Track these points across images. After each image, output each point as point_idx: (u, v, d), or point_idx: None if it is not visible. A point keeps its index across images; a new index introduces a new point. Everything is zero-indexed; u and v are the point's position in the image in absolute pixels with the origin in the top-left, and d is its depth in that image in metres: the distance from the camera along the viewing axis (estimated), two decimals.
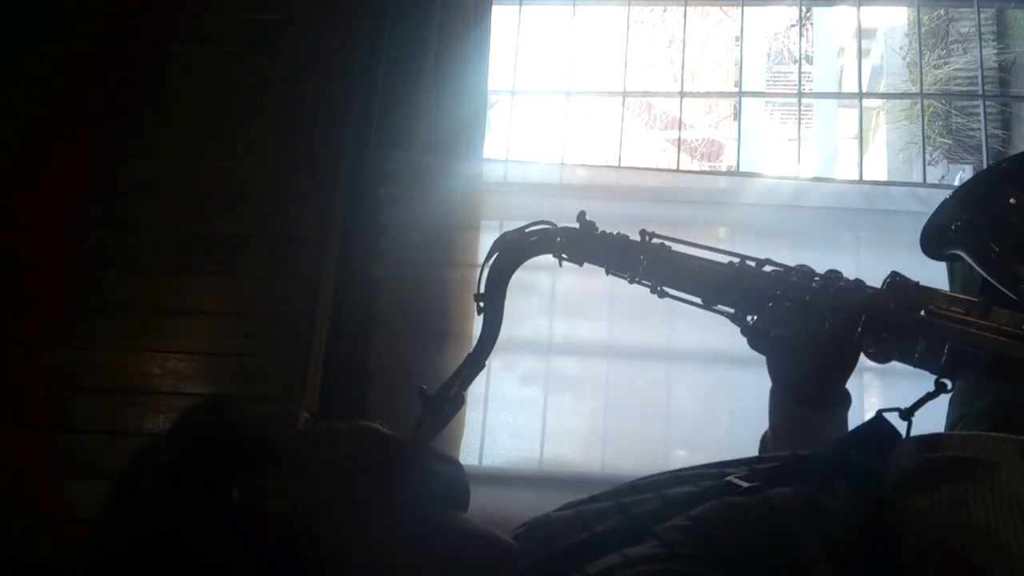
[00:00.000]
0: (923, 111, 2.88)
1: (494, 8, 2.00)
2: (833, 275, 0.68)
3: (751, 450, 0.82)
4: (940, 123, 4.46)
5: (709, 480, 0.60)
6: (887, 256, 1.76)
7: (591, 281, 1.81)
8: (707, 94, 6.91)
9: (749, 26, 4.67)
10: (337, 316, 1.87)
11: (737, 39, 5.49)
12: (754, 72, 5.80)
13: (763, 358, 0.79)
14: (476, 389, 1.80)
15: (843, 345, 0.66)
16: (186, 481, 0.56)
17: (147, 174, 2.00)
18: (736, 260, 0.71)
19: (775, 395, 0.79)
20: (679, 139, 5.88)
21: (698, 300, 0.73)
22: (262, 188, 1.97)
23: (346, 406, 1.77)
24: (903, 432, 0.65)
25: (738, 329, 0.74)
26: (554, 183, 1.92)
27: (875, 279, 0.68)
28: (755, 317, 0.70)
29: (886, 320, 0.63)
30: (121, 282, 1.94)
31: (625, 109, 2.33)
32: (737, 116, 3.83)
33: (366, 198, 1.91)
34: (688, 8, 2.21)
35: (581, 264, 0.75)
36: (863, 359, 0.72)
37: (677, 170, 2.21)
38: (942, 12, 4.36)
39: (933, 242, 0.78)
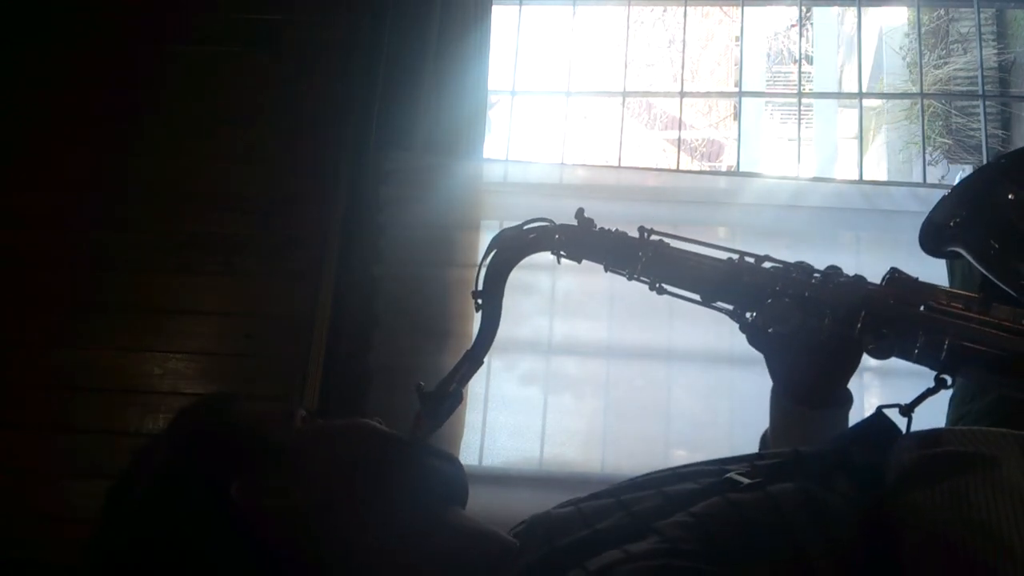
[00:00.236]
0: (923, 111, 2.88)
1: (494, 8, 2.00)
2: (832, 271, 0.68)
3: (751, 450, 0.81)
4: (940, 123, 4.46)
5: (709, 477, 0.60)
6: (887, 256, 1.76)
7: (591, 281, 1.81)
8: (707, 94, 6.91)
9: (749, 26, 4.67)
10: (337, 316, 1.87)
11: (737, 39, 5.49)
12: (754, 72, 5.80)
13: (763, 358, 0.78)
14: (476, 389, 1.80)
15: (842, 342, 0.66)
16: (184, 479, 0.56)
17: (147, 174, 2.00)
18: (735, 256, 0.71)
19: (775, 394, 0.79)
20: (679, 139, 5.88)
21: (697, 297, 0.72)
22: (262, 188, 1.97)
23: (346, 406, 1.77)
24: (903, 428, 0.65)
25: (738, 329, 0.74)
26: (554, 183, 1.92)
27: (875, 279, 0.67)
28: (754, 314, 0.70)
29: (886, 316, 0.63)
30: (121, 282, 1.94)
31: (625, 109, 2.33)
32: (737, 116, 3.83)
33: (366, 198, 1.91)
34: (688, 8, 2.21)
35: (579, 261, 0.75)
36: (865, 356, 0.72)
37: (677, 170, 2.21)
38: (942, 12, 4.36)
39: (932, 240, 0.78)
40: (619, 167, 2.08)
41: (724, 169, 6.60)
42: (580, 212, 0.75)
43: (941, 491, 0.53)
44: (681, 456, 1.75)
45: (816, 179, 2.08)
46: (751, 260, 0.70)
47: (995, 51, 4.19)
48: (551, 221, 0.75)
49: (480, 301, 0.74)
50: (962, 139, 4.40)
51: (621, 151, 2.19)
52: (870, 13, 4.79)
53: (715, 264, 0.71)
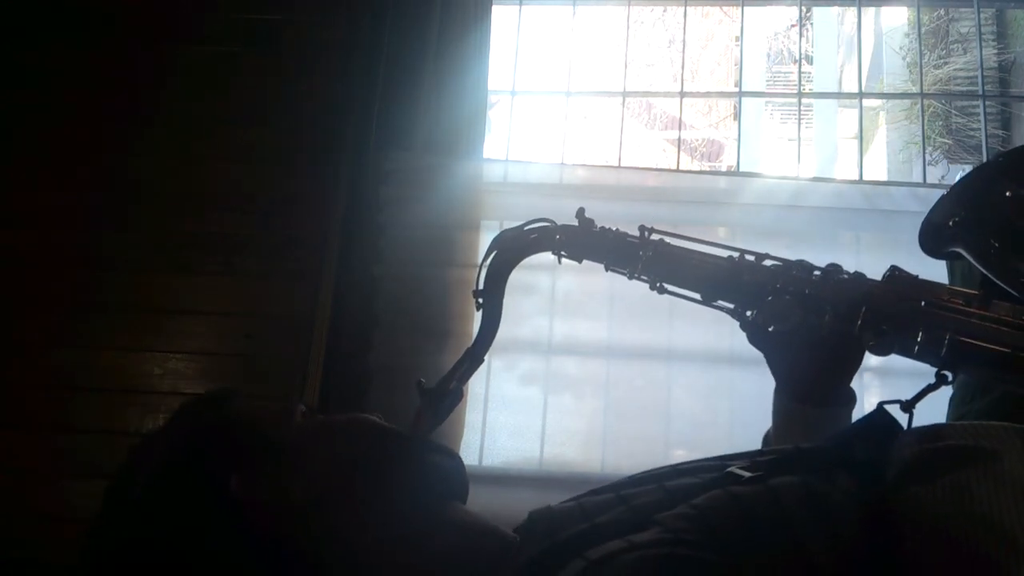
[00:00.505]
0: (923, 111, 2.88)
1: (494, 8, 2.00)
2: (833, 268, 0.68)
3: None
4: (940, 123, 4.46)
5: (710, 472, 0.60)
6: (887, 256, 1.76)
7: (591, 281, 1.81)
8: (707, 94, 6.91)
9: (749, 26, 4.67)
10: (337, 316, 1.87)
11: (737, 39, 5.50)
12: (754, 72, 5.80)
13: (763, 359, 0.78)
14: (476, 389, 1.80)
15: (843, 339, 0.66)
16: (184, 473, 0.56)
17: (147, 174, 2.00)
18: (735, 255, 0.71)
19: (778, 393, 0.79)
20: (679, 139, 5.88)
21: (697, 296, 0.72)
22: (262, 188, 1.97)
23: (346, 406, 1.77)
24: (904, 425, 0.64)
25: (738, 330, 0.74)
26: (554, 183, 1.92)
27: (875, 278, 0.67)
28: (754, 312, 0.70)
29: (886, 312, 0.63)
30: (121, 282, 1.94)
31: (625, 109, 2.33)
32: (737, 116, 3.83)
33: (366, 198, 1.91)
34: (688, 8, 2.21)
35: (580, 261, 0.75)
36: (864, 359, 0.72)
37: (677, 170, 2.21)
38: (942, 12, 4.36)
39: (932, 240, 0.77)
40: (619, 167, 2.08)
41: (724, 169, 6.60)
42: (581, 212, 0.75)
43: (943, 485, 0.53)
44: (681, 456, 1.75)
45: (816, 179, 2.08)
46: (751, 258, 0.70)
47: (995, 51, 4.19)
48: (552, 221, 0.76)
49: (481, 300, 0.74)
50: (962, 139, 4.40)
51: (621, 151, 2.19)
52: (870, 13, 4.79)
53: (716, 262, 0.71)
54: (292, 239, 1.93)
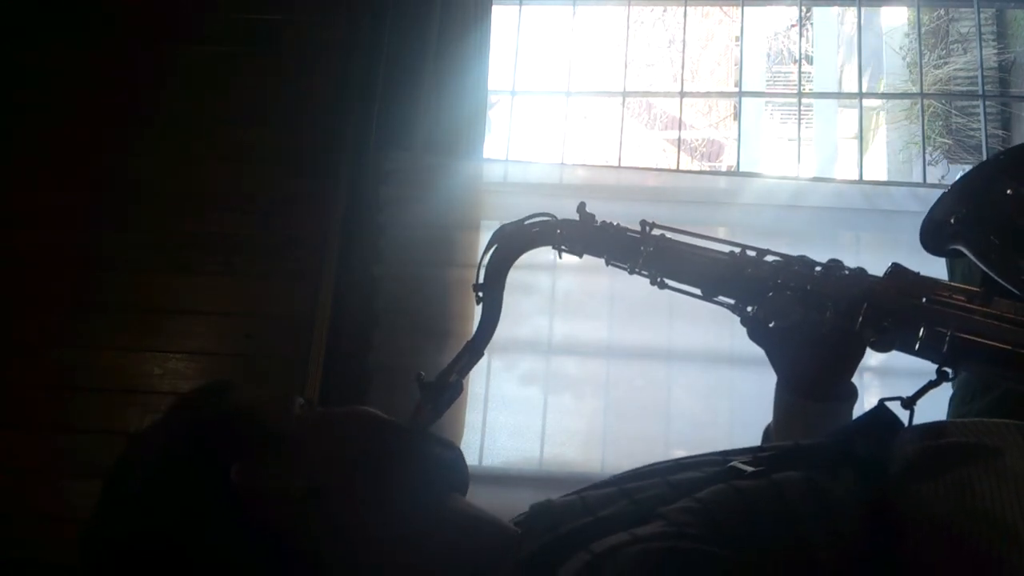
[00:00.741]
0: (923, 111, 2.88)
1: (494, 8, 2.00)
2: (834, 264, 0.68)
3: None
4: (940, 123, 4.47)
5: (713, 467, 0.59)
6: (887, 256, 1.73)
7: (591, 281, 1.81)
8: (707, 94, 6.91)
9: (749, 26, 4.67)
10: (337, 316, 1.86)
11: (737, 39, 5.50)
12: (754, 72, 5.80)
13: (763, 358, 0.78)
14: (476, 389, 1.80)
15: (844, 335, 0.66)
16: (183, 463, 0.56)
17: (147, 174, 2.00)
18: (736, 250, 0.71)
19: (779, 387, 0.78)
20: (679, 139, 5.88)
21: (698, 291, 0.72)
22: (262, 188, 1.97)
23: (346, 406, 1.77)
24: (905, 421, 0.64)
25: (738, 330, 0.74)
26: (554, 183, 1.92)
27: None
28: (755, 308, 0.69)
29: (887, 308, 0.63)
30: (121, 282, 1.94)
31: (625, 109, 2.33)
32: (737, 116, 3.83)
33: (366, 198, 1.91)
34: (688, 8, 2.21)
35: (580, 256, 0.75)
36: (864, 356, 0.72)
37: (677, 170, 2.20)
38: (942, 12, 4.36)
39: (932, 237, 0.77)
40: (619, 167, 2.08)
41: (724, 169, 6.60)
42: (582, 206, 0.75)
43: (945, 482, 0.53)
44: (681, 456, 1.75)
45: (816, 179, 2.08)
46: (752, 254, 0.70)
47: (995, 51, 4.19)
48: (552, 216, 0.75)
49: (481, 294, 0.74)
50: (962, 139, 4.40)
51: (621, 151, 2.19)
52: (870, 13, 4.79)
53: (717, 258, 0.71)
54: (292, 239, 1.93)
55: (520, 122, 2.24)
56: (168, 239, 1.96)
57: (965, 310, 0.60)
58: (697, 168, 6.77)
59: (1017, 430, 0.58)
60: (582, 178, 1.97)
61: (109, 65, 2.05)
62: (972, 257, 0.74)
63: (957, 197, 0.75)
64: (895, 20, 5.17)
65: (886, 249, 1.79)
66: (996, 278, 0.70)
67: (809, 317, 0.65)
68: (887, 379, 1.72)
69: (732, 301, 0.71)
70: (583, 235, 0.74)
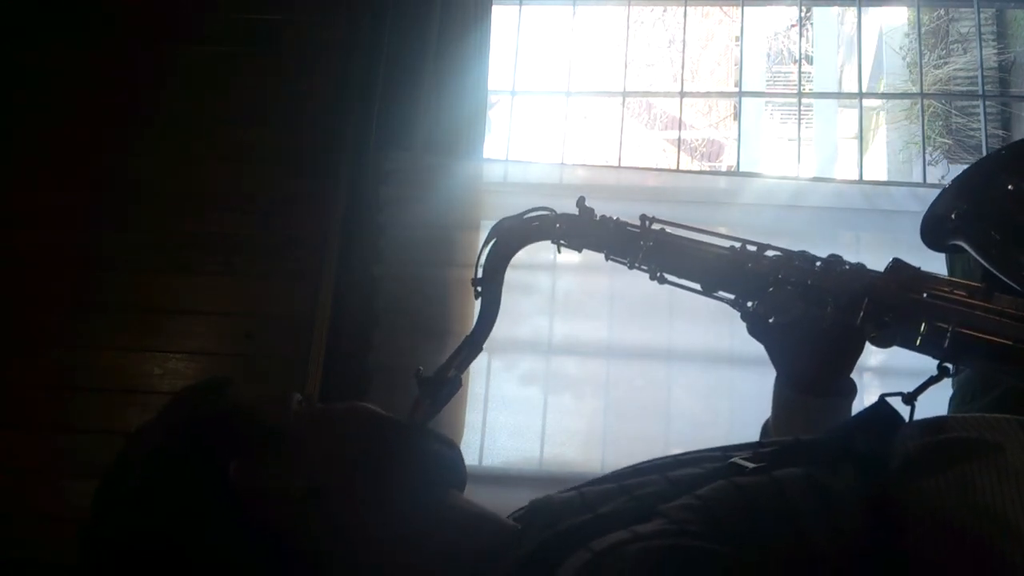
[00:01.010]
0: (923, 111, 2.87)
1: (494, 8, 2.00)
2: (834, 259, 0.67)
3: None
4: (940, 123, 4.46)
5: (713, 463, 0.59)
6: (887, 256, 1.74)
7: (591, 280, 1.81)
8: (707, 94, 6.91)
9: (749, 26, 4.67)
10: (337, 316, 1.86)
11: (737, 39, 5.49)
12: (754, 72, 5.80)
13: (763, 358, 0.78)
14: (476, 389, 1.80)
15: (845, 330, 0.65)
16: (182, 460, 0.56)
17: (147, 174, 2.00)
18: (737, 245, 0.70)
19: (778, 383, 0.78)
20: (679, 139, 5.88)
21: (698, 286, 0.72)
22: (262, 188, 1.97)
23: None
24: (906, 417, 0.64)
25: (738, 329, 0.73)
26: (554, 183, 1.92)
27: None
28: (756, 303, 0.69)
29: (888, 303, 0.62)
30: (121, 282, 1.94)
31: (625, 109, 2.33)
32: (737, 116, 3.83)
33: (366, 198, 1.91)
34: (688, 8, 2.21)
35: (580, 250, 0.74)
36: (864, 355, 0.72)
37: (677, 170, 2.20)
38: (942, 12, 4.36)
39: (933, 233, 0.77)
40: (619, 167, 2.08)
41: (724, 169, 6.60)
42: (581, 200, 0.75)
43: (946, 477, 0.53)
44: None
45: (816, 179, 2.08)
46: (753, 249, 0.70)
47: (995, 51, 4.19)
48: (551, 210, 0.75)
49: (480, 288, 0.74)
50: (962, 139, 4.40)
51: (621, 151, 2.18)
52: (870, 13, 4.79)
53: (717, 252, 0.71)
54: (292, 239, 1.93)
55: (520, 122, 2.24)
56: (168, 239, 1.96)
57: (966, 305, 0.59)
58: (697, 168, 6.76)
59: (1018, 425, 0.57)
60: (582, 178, 1.97)
61: (109, 65, 2.05)
62: (973, 253, 0.74)
63: (958, 193, 0.75)
64: (895, 20, 5.17)
65: (886, 249, 1.78)
66: (997, 273, 0.70)
67: (809, 312, 0.65)
68: (887, 379, 1.71)
69: (732, 296, 0.71)
70: (582, 229, 0.74)
